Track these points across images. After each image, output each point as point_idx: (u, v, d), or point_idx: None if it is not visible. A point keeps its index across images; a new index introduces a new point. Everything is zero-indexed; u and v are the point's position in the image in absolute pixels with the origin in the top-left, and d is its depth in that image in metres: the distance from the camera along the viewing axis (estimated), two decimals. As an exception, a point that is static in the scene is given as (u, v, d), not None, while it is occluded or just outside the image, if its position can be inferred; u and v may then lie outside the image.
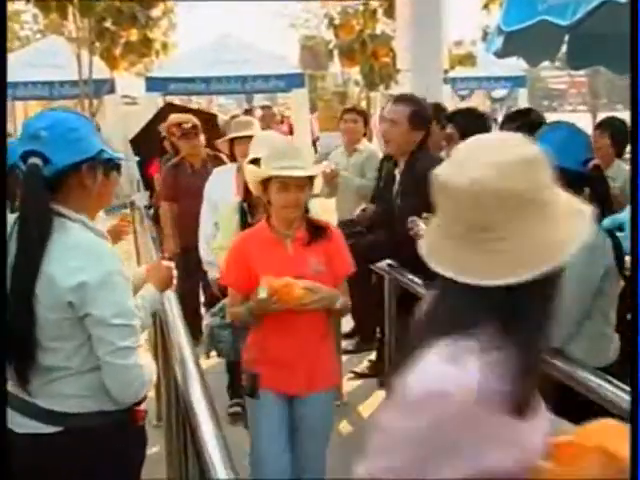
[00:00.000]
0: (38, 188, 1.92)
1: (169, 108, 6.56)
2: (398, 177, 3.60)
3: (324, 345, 2.81)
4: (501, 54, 3.73)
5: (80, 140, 1.98)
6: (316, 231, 2.73)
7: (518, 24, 3.23)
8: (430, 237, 1.17)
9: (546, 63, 4.57)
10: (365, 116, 5.50)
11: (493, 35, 3.75)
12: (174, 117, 5.73)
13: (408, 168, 3.53)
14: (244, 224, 3.22)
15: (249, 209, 3.26)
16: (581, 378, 2.19)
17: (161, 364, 3.16)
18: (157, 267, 2.52)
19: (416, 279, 3.32)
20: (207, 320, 3.23)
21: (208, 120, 6.36)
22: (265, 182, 2.68)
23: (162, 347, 3.24)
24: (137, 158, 6.95)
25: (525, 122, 3.20)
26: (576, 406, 1.73)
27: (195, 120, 5.24)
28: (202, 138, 5.23)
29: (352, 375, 4.89)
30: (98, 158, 2.02)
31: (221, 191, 3.99)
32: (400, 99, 3.61)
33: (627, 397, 1.96)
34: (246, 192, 3.14)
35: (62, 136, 1.94)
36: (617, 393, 2.05)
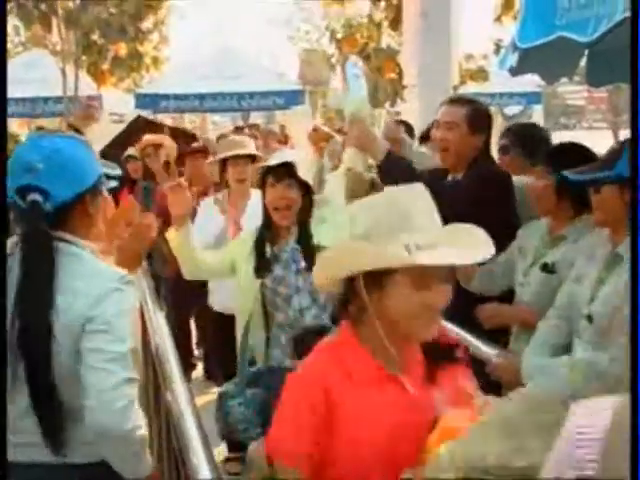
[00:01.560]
0: (41, 226, 1.89)
1: (143, 123, 6.34)
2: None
3: None
4: (515, 71, 3.77)
5: (80, 169, 1.96)
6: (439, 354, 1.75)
7: (534, 40, 3.26)
8: None
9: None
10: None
11: (507, 51, 3.79)
12: (150, 138, 5.78)
13: (468, 181, 3.26)
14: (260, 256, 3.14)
15: (270, 237, 3.15)
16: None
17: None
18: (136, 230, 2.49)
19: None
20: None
21: (186, 140, 6.29)
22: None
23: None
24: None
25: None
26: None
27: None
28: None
29: None
30: (99, 184, 2.02)
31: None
32: (455, 100, 3.40)
33: None
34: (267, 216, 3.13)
35: (61, 167, 1.91)
36: None
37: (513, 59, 3.62)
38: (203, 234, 3.90)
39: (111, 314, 1.87)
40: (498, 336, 2.97)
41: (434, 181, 3.10)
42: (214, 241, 4.00)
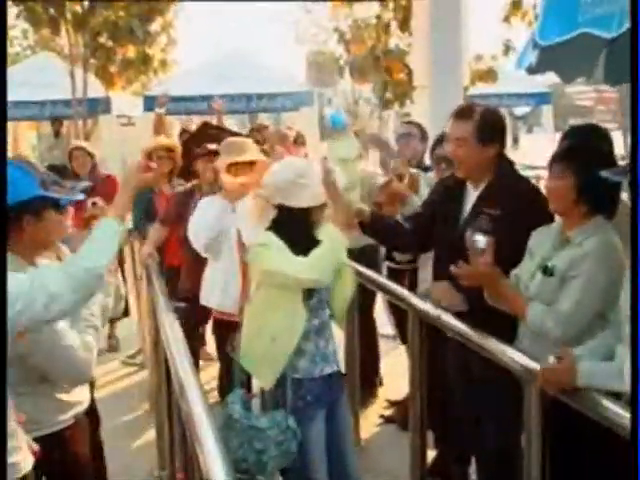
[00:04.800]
0: None
1: (205, 128, 6.03)
2: (471, 204, 3.31)
3: None
4: (534, 69, 3.69)
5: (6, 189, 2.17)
6: None
7: (556, 37, 3.19)
8: None
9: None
10: None
11: (526, 49, 3.72)
12: (164, 141, 5.74)
13: (489, 195, 3.22)
14: None
15: None
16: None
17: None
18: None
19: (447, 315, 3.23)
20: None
21: None
22: None
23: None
24: None
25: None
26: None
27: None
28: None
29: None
30: (35, 204, 2.38)
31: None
32: (462, 113, 3.26)
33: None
34: None
35: None
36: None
37: (533, 57, 3.54)
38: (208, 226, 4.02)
39: None
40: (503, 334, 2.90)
41: (476, 219, 3.13)
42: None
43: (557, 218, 2.94)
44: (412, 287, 4.29)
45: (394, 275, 4.75)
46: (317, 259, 2.97)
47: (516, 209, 3.02)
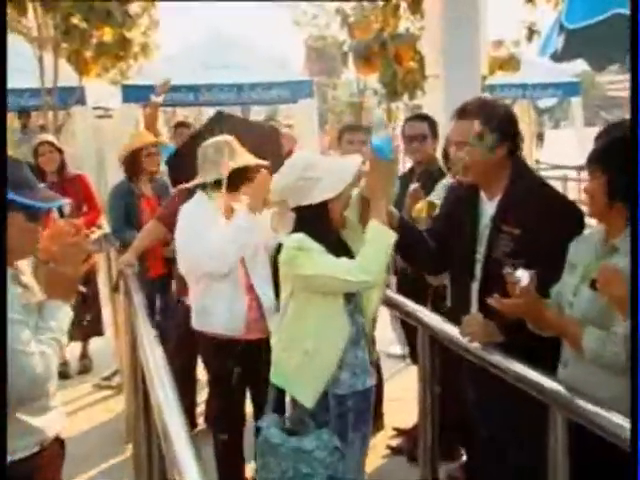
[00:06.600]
0: None
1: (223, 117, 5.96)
2: (487, 218, 3.29)
3: None
4: (561, 56, 3.70)
5: None
6: None
7: (585, 20, 3.19)
8: None
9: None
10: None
11: (551, 33, 3.72)
12: (147, 137, 5.83)
13: (507, 210, 3.22)
14: None
15: None
16: None
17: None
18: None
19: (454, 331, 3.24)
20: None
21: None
22: None
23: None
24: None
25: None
26: None
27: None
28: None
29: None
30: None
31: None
32: (464, 112, 3.25)
33: None
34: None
35: None
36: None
37: (558, 42, 3.54)
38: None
39: None
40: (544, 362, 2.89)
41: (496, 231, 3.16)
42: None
43: (595, 223, 2.93)
44: (438, 302, 4.27)
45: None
46: (367, 259, 3.01)
47: (538, 226, 3.03)
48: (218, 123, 5.29)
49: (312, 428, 3.08)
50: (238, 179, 4.02)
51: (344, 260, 3.05)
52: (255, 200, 3.84)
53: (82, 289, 2.92)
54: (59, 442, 2.84)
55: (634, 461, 1.06)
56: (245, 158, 4.11)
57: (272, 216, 3.30)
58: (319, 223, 3.12)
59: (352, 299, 3.15)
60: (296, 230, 3.13)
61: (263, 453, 3.08)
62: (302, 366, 3.11)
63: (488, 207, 3.29)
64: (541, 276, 2.89)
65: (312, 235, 3.08)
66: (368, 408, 3.22)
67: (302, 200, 3.09)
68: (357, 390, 3.14)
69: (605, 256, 2.79)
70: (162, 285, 5.46)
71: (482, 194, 3.34)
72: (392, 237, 3.07)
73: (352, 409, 3.12)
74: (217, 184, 4.07)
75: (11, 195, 2.44)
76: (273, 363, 3.24)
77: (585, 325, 2.74)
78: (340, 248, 3.15)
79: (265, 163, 4.09)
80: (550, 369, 2.87)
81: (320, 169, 3.11)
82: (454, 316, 3.36)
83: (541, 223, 3.04)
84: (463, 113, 3.24)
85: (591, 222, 3.05)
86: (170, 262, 5.05)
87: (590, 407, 2.49)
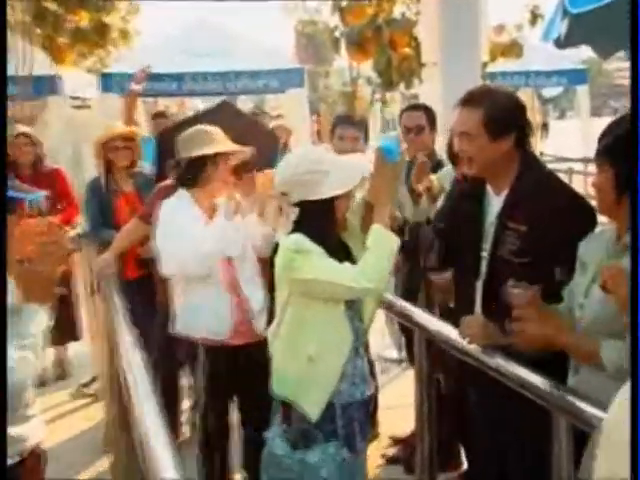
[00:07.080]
0: None
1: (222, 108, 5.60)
2: (494, 215, 3.27)
3: None
4: (564, 42, 3.69)
5: None
6: None
7: (590, 4, 3.19)
8: None
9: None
10: (367, 129, 5.19)
11: (554, 18, 3.72)
12: (122, 130, 5.73)
13: (514, 204, 3.19)
14: None
15: None
16: None
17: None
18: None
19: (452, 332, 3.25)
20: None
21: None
22: None
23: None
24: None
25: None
26: None
27: None
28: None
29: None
30: None
31: None
32: (468, 100, 3.22)
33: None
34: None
35: None
36: None
37: (562, 27, 3.54)
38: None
39: None
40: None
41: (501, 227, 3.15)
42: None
43: (607, 221, 2.93)
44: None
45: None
46: (370, 265, 3.00)
47: (546, 222, 3.00)
48: (213, 113, 5.27)
49: (320, 440, 3.07)
50: (200, 171, 4.08)
51: (346, 265, 3.03)
52: (247, 199, 3.85)
53: (60, 290, 2.91)
54: (40, 452, 2.84)
55: (634, 461, 1.08)
56: (213, 148, 4.09)
57: (270, 212, 3.28)
58: (323, 221, 3.10)
59: (352, 305, 3.15)
60: (296, 228, 3.10)
61: (267, 466, 3.11)
62: (306, 374, 3.10)
63: (495, 202, 3.27)
64: (549, 276, 2.90)
65: (313, 234, 3.06)
66: (368, 419, 3.26)
67: (308, 194, 3.05)
68: (355, 400, 3.14)
69: (617, 255, 2.78)
70: (141, 287, 5.41)
71: (489, 188, 3.32)
72: (396, 242, 3.07)
73: (352, 421, 3.12)
74: (194, 179, 4.08)
75: None
76: (273, 371, 3.22)
77: (595, 329, 2.74)
78: (341, 250, 3.14)
79: (236, 148, 4.09)
80: (558, 375, 2.85)
81: (330, 164, 3.09)
82: (457, 316, 3.34)
83: (549, 219, 3.01)
84: (468, 101, 3.21)
85: (603, 219, 3.05)
86: (147, 262, 5.00)
87: (594, 412, 2.49)
